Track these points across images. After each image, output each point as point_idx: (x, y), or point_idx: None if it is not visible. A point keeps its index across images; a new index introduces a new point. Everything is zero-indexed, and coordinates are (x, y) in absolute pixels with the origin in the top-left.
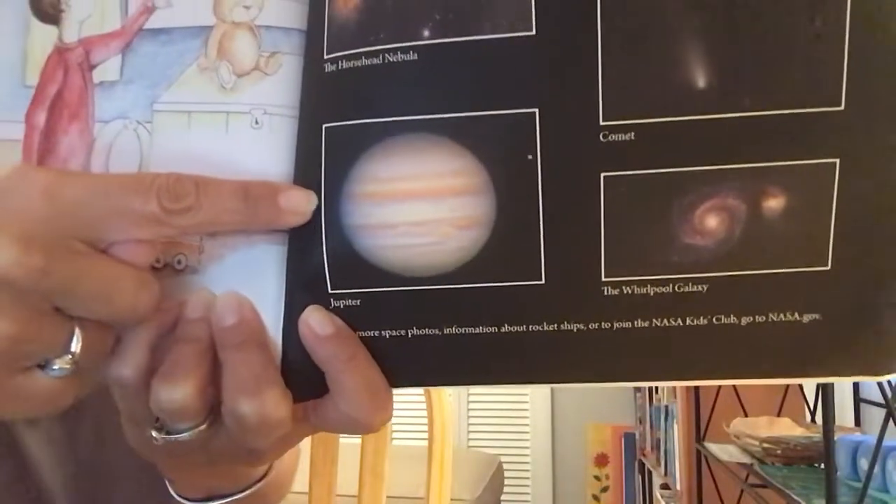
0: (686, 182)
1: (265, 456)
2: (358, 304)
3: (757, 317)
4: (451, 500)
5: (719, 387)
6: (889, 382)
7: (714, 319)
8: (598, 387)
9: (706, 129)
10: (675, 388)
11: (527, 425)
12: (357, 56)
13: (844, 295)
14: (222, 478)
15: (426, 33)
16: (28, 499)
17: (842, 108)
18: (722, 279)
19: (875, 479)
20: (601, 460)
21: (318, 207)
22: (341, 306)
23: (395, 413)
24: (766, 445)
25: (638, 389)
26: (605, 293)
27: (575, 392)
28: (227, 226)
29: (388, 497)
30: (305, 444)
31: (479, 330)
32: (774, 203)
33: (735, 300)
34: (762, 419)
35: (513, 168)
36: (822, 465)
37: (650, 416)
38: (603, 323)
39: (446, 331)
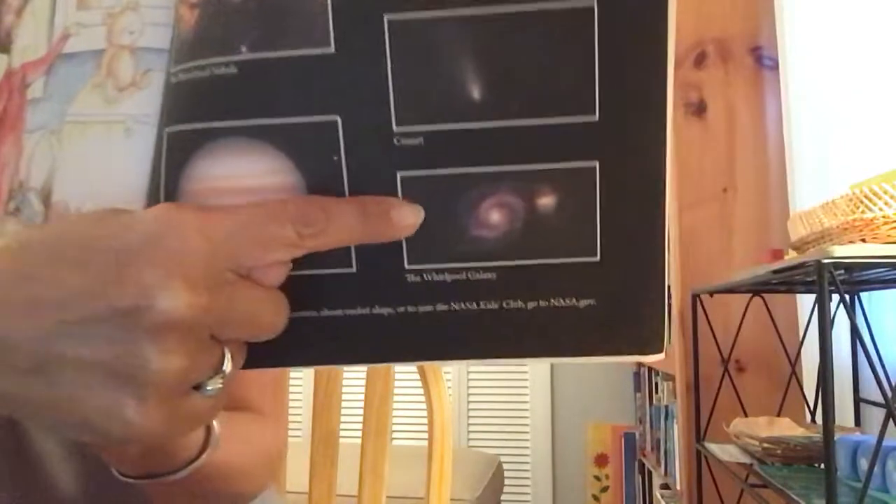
0: (470, 181)
1: None
2: None
3: (541, 301)
4: (451, 500)
5: (719, 387)
6: (889, 382)
7: (504, 304)
8: (462, 369)
9: (483, 135)
10: (674, 388)
11: (527, 425)
12: (190, 69)
13: (613, 283)
14: (154, 455)
15: (244, 49)
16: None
17: (596, 118)
18: (508, 268)
19: (875, 479)
20: (601, 460)
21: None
22: None
23: (395, 413)
24: (766, 445)
25: (638, 389)
26: (409, 280)
27: (575, 392)
28: (346, 242)
29: (388, 497)
30: (305, 444)
31: (301, 314)
32: (546, 200)
33: (521, 286)
34: (762, 419)
35: (321, 168)
36: (822, 465)
37: (650, 416)
38: (409, 307)
39: None
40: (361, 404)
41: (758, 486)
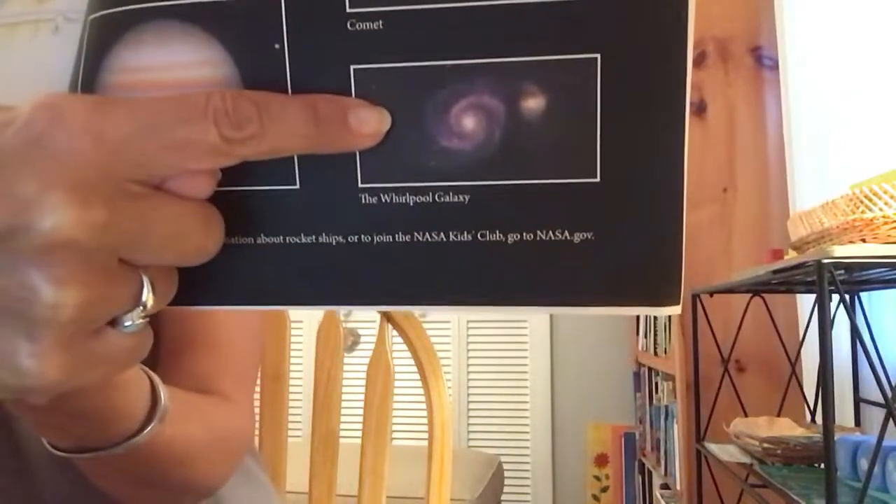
0: (439, 77)
1: None
2: None
3: (524, 234)
4: (451, 500)
5: (719, 387)
6: (889, 382)
7: (479, 235)
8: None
9: (455, 19)
10: (674, 388)
11: (527, 425)
12: None
13: (616, 212)
14: (86, 423)
15: None
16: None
17: None
18: (484, 188)
19: (875, 479)
20: (601, 460)
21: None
22: None
23: (394, 413)
24: (766, 445)
25: (638, 389)
26: (363, 201)
27: (575, 392)
28: (289, 151)
29: (388, 497)
30: (305, 444)
31: (235, 240)
32: (534, 103)
33: (499, 214)
34: (762, 419)
35: (260, 58)
36: (822, 465)
37: (650, 416)
38: (363, 236)
39: None
40: (361, 404)
41: (758, 486)
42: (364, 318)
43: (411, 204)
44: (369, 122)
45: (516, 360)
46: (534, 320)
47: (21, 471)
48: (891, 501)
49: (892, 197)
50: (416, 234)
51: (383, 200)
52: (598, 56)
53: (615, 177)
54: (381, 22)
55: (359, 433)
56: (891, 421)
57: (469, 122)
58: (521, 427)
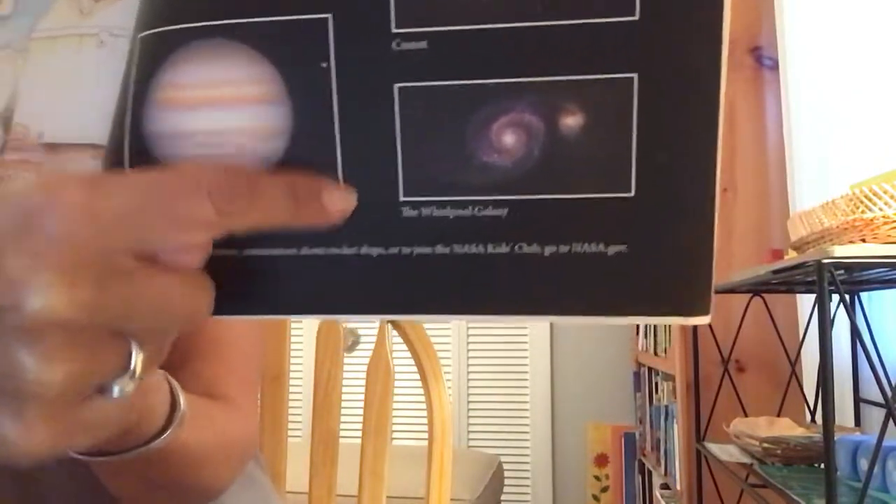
0: (480, 95)
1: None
2: None
3: (560, 246)
4: (451, 500)
5: (719, 387)
6: (889, 382)
7: (516, 247)
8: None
9: (498, 39)
10: (674, 388)
11: (527, 425)
12: None
13: (650, 226)
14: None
15: None
16: None
17: (636, 17)
18: (522, 203)
19: (875, 479)
20: (601, 460)
21: (125, 114)
22: None
23: (395, 413)
24: (766, 445)
25: (638, 389)
26: (404, 214)
27: (575, 392)
28: (268, 225)
29: (388, 497)
30: (305, 444)
31: (277, 252)
32: (572, 121)
33: (537, 227)
34: (762, 419)
35: (307, 76)
36: (822, 465)
37: (650, 416)
38: (403, 248)
39: (245, 252)
40: (361, 404)
41: (758, 486)
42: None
43: (451, 217)
44: (339, 203)
45: (516, 361)
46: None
47: (26, 475)
48: (891, 501)
49: (892, 197)
50: (455, 246)
51: (424, 214)
52: (635, 76)
53: (649, 192)
54: (425, 42)
55: (359, 433)
56: (891, 421)
57: (509, 139)
58: (521, 427)
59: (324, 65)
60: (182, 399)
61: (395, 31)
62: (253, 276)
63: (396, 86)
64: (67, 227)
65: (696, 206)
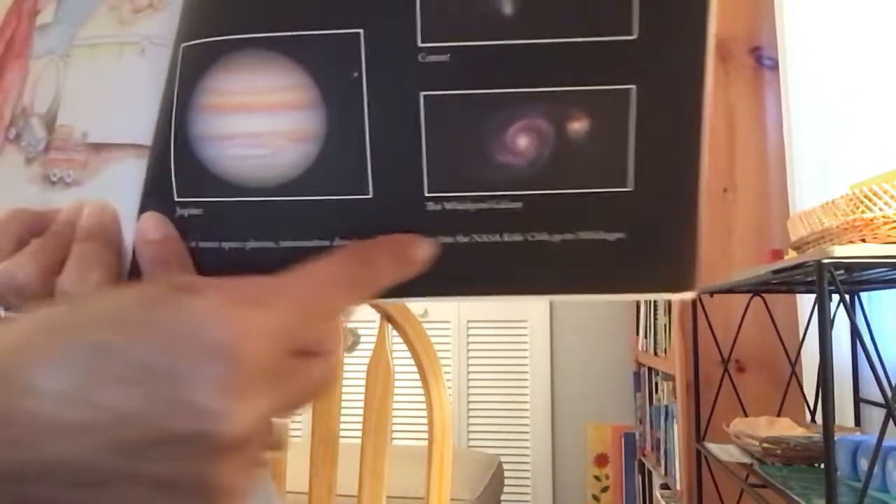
0: (497, 103)
1: None
2: (201, 213)
3: (568, 234)
4: (451, 500)
5: (719, 387)
6: (889, 382)
7: (529, 236)
8: (497, 306)
9: (513, 53)
10: (674, 388)
11: (527, 425)
12: None
13: (645, 215)
14: None
15: None
16: None
17: (634, 36)
18: (535, 197)
19: (875, 479)
20: (601, 460)
21: (171, 120)
22: (185, 215)
23: (395, 413)
24: (766, 445)
25: (638, 389)
26: (428, 208)
27: (575, 392)
28: (381, 288)
29: (388, 497)
30: (305, 444)
31: (312, 243)
32: (578, 126)
33: (547, 217)
34: (762, 419)
35: (340, 85)
36: (822, 465)
37: (650, 416)
38: (427, 238)
39: (281, 243)
40: (361, 404)
41: (758, 486)
42: (364, 318)
43: (472, 210)
44: (424, 253)
45: (516, 361)
46: (534, 320)
47: None
48: (891, 501)
49: (892, 197)
50: (474, 235)
51: (447, 208)
52: (634, 87)
53: (644, 186)
54: (448, 55)
55: (359, 433)
56: (891, 421)
57: (523, 142)
58: (521, 427)
59: (355, 75)
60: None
61: (421, 45)
62: (289, 264)
63: (422, 94)
64: (245, 350)
65: (685, 198)
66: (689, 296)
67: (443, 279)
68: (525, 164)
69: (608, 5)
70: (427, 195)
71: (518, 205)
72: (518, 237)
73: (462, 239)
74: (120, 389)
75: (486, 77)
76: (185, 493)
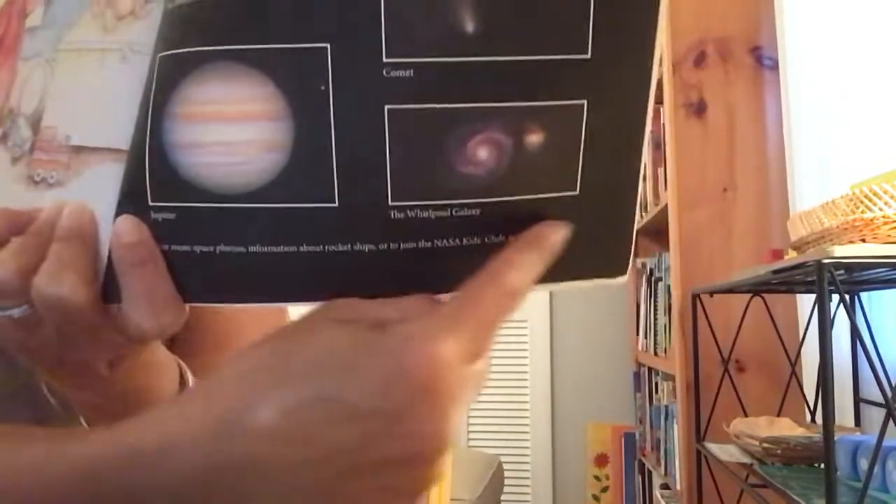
0: (458, 116)
1: (92, 357)
2: (174, 217)
3: (521, 235)
4: (451, 500)
5: (719, 387)
6: (889, 382)
7: (486, 239)
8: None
9: (473, 70)
10: (674, 388)
11: (527, 425)
12: None
13: (588, 214)
14: (122, 400)
15: None
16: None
17: (588, 55)
18: (492, 204)
19: (875, 479)
20: (601, 460)
21: (146, 126)
22: (159, 219)
23: None
24: (766, 445)
25: (638, 389)
26: (392, 217)
27: (575, 392)
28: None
29: None
30: None
31: (280, 249)
32: (534, 138)
33: (503, 221)
34: (762, 419)
35: (308, 97)
36: (822, 465)
37: (650, 416)
38: (391, 244)
39: (251, 248)
40: None
41: (758, 486)
42: None
43: (433, 217)
44: (560, 234)
45: (516, 360)
46: (534, 320)
47: (42, 400)
48: (891, 501)
49: (892, 197)
50: (435, 240)
51: (409, 215)
52: (585, 102)
53: (589, 189)
54: (412, 70)
55: None
56: (891, 421)
57: (482, 153)
58: (521, 427)
59: (322, 88)
60: (191, 378)
61: (385, 60)
62: (258, 270)
63: (386, 107)
64: (447, 379)
65: (624, 198)
66: (622, 280)
67: (407, 280)
68: (484, 173)
69: (565, 26)
70: (391, 204)
71: (476, 211)
72: (475, 240)
73: (424, 244)
74: (348, 428)
75: (448, 92)
76: (402, 497)
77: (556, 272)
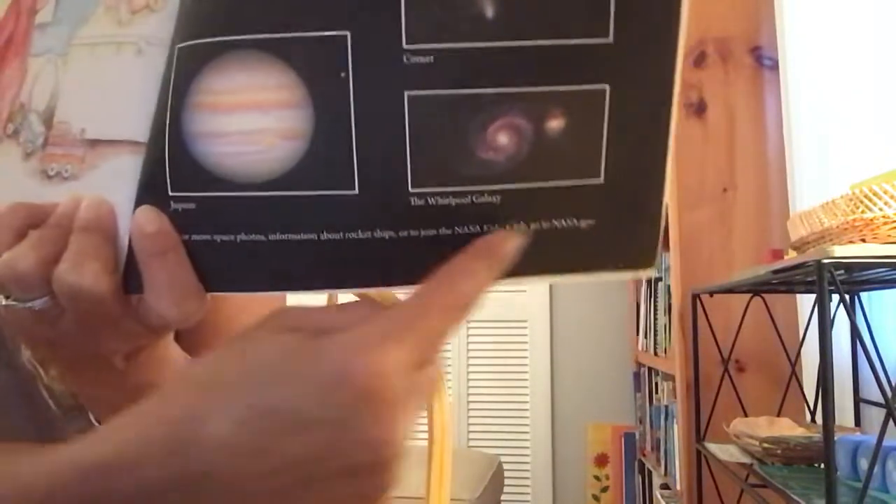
0: (478, 102)
1: (112, 349)
2: (194, 207)
3: (543, 223)
4: (451, 500)
5: (719, 387)
6: (889, 382)
7: (507, 226)
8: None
9: (494, 55)
10: (674, 388)
11: (527, 425)
12: None
13: (615, 204)
14: (133, 395)
15: None
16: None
17: (610, 40)
18: (513, 191)
19: (875, 479)
20: (601, 460)
21: (165, 119)
22: (179, 209)
23: None
24: (766, 445)
25: (638, 389)
26: (412, 203)
27: (575, 392)
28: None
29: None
30: None
31: (300, 236)
32: (555, 123)
33: (524, 209)
34: (762, 419)
35: (328, 85)
36: (822, 465)
37: (650, 416)
38: (411, 231)
39: (271, 237)
40: None
41: (758, 486)
42: None
43: (453, 204)
44: (512, 244)
45: (516, 361)
46: (534, 320)
47: (44, 414)
48: (891, 501)
49: (892, 197)
50: (456, 227)
51: (430, 202)
52: (607, 87)
53: (614, 178)
54: (432, 56)
55: None
56: (891, 421)
57: (503, 139)
58: (521, 427)
59: (342, 75)
60: None
61: (405, 46)
62: (279, 258)
63: (406, 94)
64: (390, 385)
65: (651, 188)
66: (650, 273)
67: (428, 268)
68: (504, 159)
69: (586, 10)
70: (411, 191)
71: (497, 198)
72: (496, 227)
73: (445, 231)
74: (298, 439)
75: (468, 78)
76: (364, 500)
77: (581, 263)
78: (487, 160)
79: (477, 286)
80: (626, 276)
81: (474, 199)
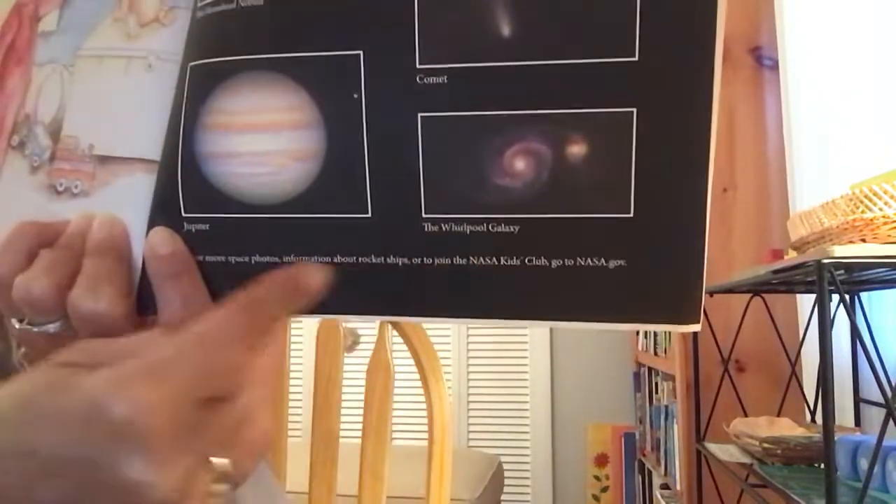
0: (495, 125)
1: None
2: (207, 228)
3: (566, 260)
4: (451, 500)
5: (719, 387)
6: (889, 382)
7: (526, 260)
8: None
9: (510, 75)
10: (674, 388)
11: (527, 425)
12: (217, 2)
13: (647, 243)
14: None
15: None
16: None
17: (636, 58)
18: (532, 221)
19: (875, 479)
20: (601, 460)
21: (178, 138)
22: (192, 230)
23: (394, 413)
24: (766, 445)
25: (638, 389)
26: (426, 229)
27: (575, 392)
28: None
29: (388, 497)
30: (305, 444)
31: (314, 259)
32: (577, 149)
33: (545, 242)
34: (762, 419)
35: (341, 105)
36: (822, 465)
37: (650, 416)
38: (425, 258)
39: (285, 259)
40: (361, 404)
41: (758, 486)
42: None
43: (468, 232)
44: (316, 278)
45: (516, 361)
46: None
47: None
48: (891, 501)
49: (892, 197)
50: (470, 258)
51: (443, 229)
52: (634, 110)
53: (646, 213)
54: (446, 77)
55: (359, 433)
56: (891, 421)
57: (520, 164)
58: (521, 427)
59: (355, 95)
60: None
61: (419, 66)
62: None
63: (420, 115)
64: (150, 423)
65: (689, 226)
66: (694, 328)
67: (441, 301)
68: (522, 186)
69: (609, 26)
70: (424, 216)
71: (515, 228)
72: (515, 261)
73: (459, 261)
74: (53, 483)
75: (484, 99)
76: None
77: (612, 309)
78: (504, 186)
79: (268, 320)
80: (665, 329)
81: (490, 228)
